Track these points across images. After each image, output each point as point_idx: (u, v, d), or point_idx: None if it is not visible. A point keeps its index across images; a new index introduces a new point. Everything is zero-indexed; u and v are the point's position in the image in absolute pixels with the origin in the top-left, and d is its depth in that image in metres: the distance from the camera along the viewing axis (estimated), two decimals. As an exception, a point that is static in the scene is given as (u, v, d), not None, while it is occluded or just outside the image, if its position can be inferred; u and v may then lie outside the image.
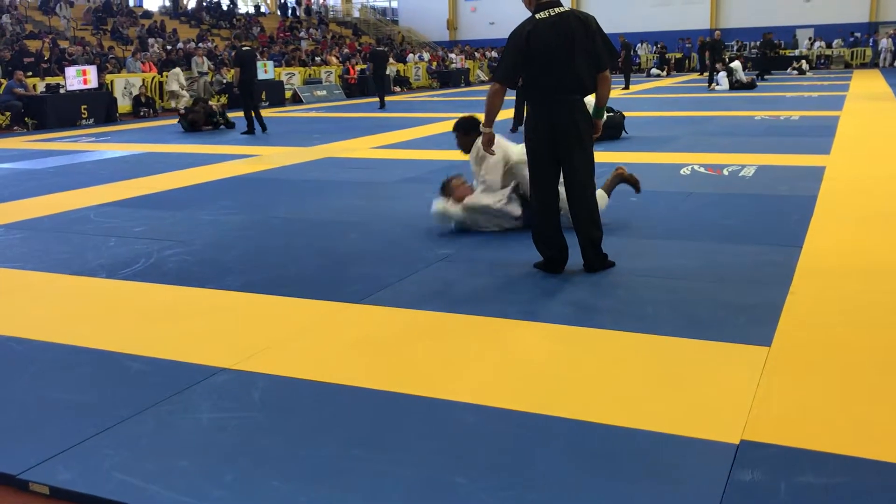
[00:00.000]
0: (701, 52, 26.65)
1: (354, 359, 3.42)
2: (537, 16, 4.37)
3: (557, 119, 4.38)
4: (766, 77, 21.93)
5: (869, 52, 32.95)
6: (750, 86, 21.09)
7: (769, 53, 24.85)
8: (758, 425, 2.68)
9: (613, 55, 4.48)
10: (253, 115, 13.56)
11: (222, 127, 14.77)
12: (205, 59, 21.27)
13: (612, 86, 4.87)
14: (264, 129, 13.73)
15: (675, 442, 2.60)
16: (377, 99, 19.38)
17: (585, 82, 4.38)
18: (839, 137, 10.35)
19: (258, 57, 15.20)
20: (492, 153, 4.73)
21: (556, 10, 4.36)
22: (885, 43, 32.00)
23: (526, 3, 4.48)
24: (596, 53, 4.36)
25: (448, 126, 13.68)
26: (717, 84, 21.07)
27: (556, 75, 4.33)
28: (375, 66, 19.89)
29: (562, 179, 4.53)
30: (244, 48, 13.98)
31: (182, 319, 4.03)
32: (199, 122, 14.51)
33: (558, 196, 4.56)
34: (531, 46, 4.32)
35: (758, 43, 26.98)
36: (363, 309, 4.08)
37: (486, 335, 3.67)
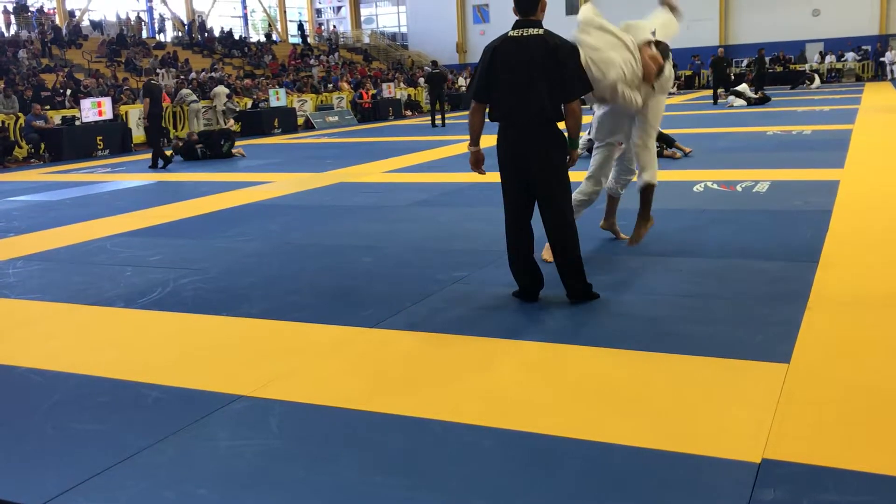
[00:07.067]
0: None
1: (371, 384, 3.42)
2: (510, 33, 4.23)
3: (521, 144, 4.22)
4: (758, 92, 22.06)
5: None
6: (764, 100, 21.18)
7: (762, 70, 24.96)
8: (779, 443, 2.65)
9: (586, 86, 4.24)
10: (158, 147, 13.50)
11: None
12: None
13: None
14: (165, 163, 13.43)
15: (696, 462, 2.58)
16: (387, 123, 19.59)
17: (547, 110, 4.15)
18: (852, 151, 10.31)
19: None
20: (481, 172, 4.51)
21: (529, 30, 4.16)
22: (889, 56, 31.98)
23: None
24: (562, 82, 4.12)
25: (456, 149, 13.77)
26: (732, 105, 21.06)
27: (517, 98, 4.16)
28: (432, 87, 20.90)
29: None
30: (153, 81, 14.04)
31: (199, 347, 4.05)
32: (181, 150, 14.61)
33: (528, 223, 4.38)
34: (494, 64, 4.21)
35: (754, 59, 27.06)
36: (378, 333, 4.08)
37: (502, 358, 3.66)
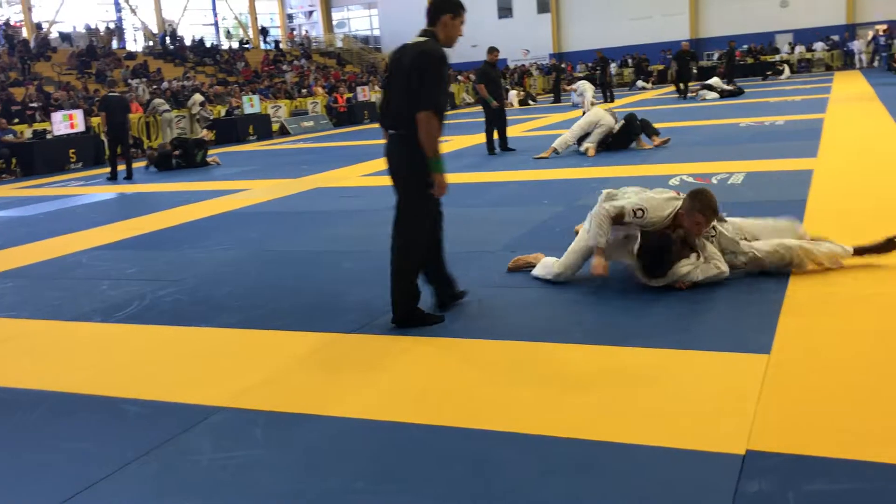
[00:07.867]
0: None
1: (353, 390, 3.41)
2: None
3: (385, 151, 4.21)
4: (730, 84, 22.29)
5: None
6: (737, 92, 21.39)
7: (732, 62, 25.29)
8: (763, 434, 2.67)
9: (426, 100, 3.92)
10: (124, 159, 13.40)
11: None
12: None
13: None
14: (130, 176, 13.34)
15: (680, 455, 2.59)
16: (362, 127, 19.52)
17: (401, 117, 4.01)
18: (825, 140, 10.41)
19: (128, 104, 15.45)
20: None
21: (418, 38, 4.13)
22: (857, 45, 32.43)
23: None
24: (416, 90, 3.94)
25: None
26: (705, 98, 21.22)
27: (387, 104, 4.18)
28: None
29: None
30: (111, 94, 13.99)
31: (179, 360, 4.01)
32: (156, 160, 14.60)
33: (432, 235, 4.36)
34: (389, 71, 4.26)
35: (725, 52, 27.40)
36: (360, 339, 4.06)
37: (487, 358, 3.66)
